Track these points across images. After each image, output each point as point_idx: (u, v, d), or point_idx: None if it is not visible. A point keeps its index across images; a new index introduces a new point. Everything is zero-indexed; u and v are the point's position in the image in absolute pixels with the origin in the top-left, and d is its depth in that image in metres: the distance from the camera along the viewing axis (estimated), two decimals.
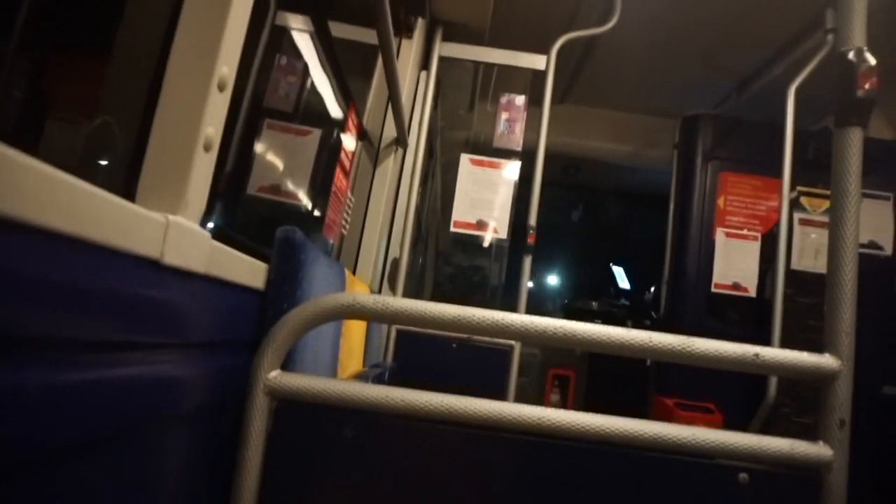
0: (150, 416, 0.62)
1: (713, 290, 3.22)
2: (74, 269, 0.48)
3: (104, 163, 1.03)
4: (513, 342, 2.45)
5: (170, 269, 0.62)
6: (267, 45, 1.57)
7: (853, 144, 0.96)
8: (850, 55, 0.97)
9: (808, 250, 3.17)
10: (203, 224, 0.72)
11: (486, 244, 2.82)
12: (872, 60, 0.95)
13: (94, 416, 0.51)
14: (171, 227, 0.62)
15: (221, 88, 0.72)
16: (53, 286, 0.45)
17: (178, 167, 0.68)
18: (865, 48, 0.96)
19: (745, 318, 3.20)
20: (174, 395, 0.67)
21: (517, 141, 2.86)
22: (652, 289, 3.60)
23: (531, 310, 3.19)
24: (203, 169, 0.71)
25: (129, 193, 0.66)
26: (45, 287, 0.44)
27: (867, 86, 0.94)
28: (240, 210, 1.65)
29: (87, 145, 1.01)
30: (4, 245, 0.39)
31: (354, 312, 0.87)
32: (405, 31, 2.60)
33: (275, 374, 0.85)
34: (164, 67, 0.70)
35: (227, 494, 0.83)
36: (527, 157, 2.82)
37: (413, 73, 2.66)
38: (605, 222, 6.95)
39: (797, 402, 2.97)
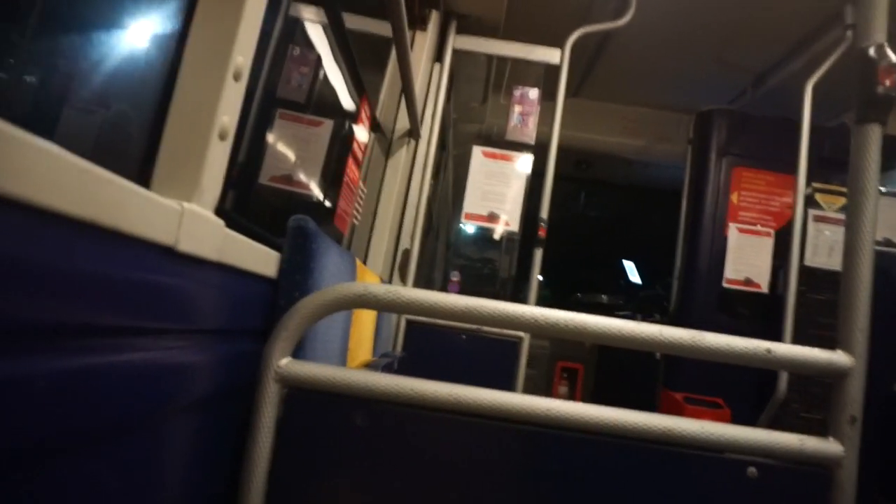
0: (162, 402, 0.63)
1: (725, 285, 3.20)
2: (89, 255, 0.48)
3: (120, 150, 1.04)
4: (522, 334, 2.45)
5: (184, 256, 0.63)
6: (280, 35, 1.57)
7: (872, 141, 0.95)
8: (871, 51, 0.95)
9: (821, 247, 3.14)
10: (217, 212, 0.73)
11: (497, 237, 2.81)
12: (894, 57, 0.94)
13: (107, 402, 0.52)
14: (186, 215, 0.62)
15: (237, 78, 0.72)
16: (68, 271, 0.45)
17: (193, 155, 0.69)
18: (886, 44, 0.95)
19: (755, 315, 3.18)
20: (185, 382, 0.68)
21: (530, 134, 2.85)
22: (670, 282, 3.58)
23: (541, 302, 3.18)
24: (218, 157, 0.72)
25: (144, 181, 0.66)
26: (59, 272, 0.44)
27: (888, 82, 0.93)
28: (252, 199, 1.66)
29: (103, 133, 1.02)
30: (20, 229, 0.40)
31: (366, 302, 0.87)
32: (419, 23, 2.59)
33: (285, 362, 0.85)
34: (181, 56, 0.70)
35: (237, 481, 0.83)
36: (539, 150, 2.81)
37: (426, 65, 2.65)
38: (616, 216, 6.92)
39: (806, 398, 2.95)
